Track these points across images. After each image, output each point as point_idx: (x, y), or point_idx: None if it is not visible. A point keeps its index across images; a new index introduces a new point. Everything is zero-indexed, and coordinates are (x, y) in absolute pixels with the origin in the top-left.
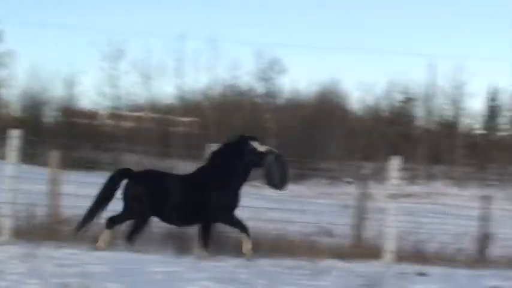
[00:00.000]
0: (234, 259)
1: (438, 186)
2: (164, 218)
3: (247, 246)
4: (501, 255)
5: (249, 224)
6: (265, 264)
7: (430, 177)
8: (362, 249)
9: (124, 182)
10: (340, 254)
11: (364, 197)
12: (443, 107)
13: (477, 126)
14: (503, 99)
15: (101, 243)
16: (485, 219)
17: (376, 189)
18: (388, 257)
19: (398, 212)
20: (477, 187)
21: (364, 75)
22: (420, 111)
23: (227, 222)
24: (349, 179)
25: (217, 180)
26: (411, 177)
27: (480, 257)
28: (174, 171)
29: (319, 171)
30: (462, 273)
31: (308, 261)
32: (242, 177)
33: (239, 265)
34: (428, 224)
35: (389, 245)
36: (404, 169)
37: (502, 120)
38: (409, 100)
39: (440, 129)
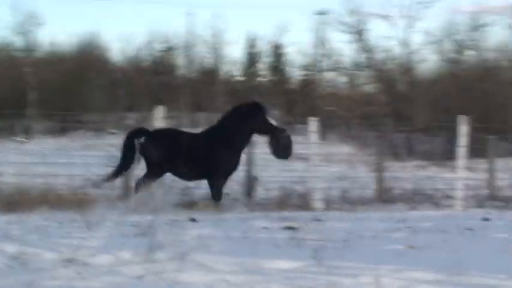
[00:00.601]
0: (5, 215)
1: None
2: (177, 174)
3: (206, 206)
4: (267, 198)
5: (14, 179)
6: (36, 219)
7: (194, 124)
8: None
9: (141, 140)
10: (110, 205)
11: None
12: (203, 55)
13: (237, 73)
14: (261, 46)
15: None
16: (250, 163)
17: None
18: (159, 206)
19: None
20: None
21: (124, 26)
22: (181, 60)
23: (217, 182)
24: (113, 130)
25: (225, 141)
26: (176, 126)
27: (248, 200)
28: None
29: (83, 123)
30: (232, 217)
31: (79, 214)
32: (247, 140)
33: (10, 221)
34: None
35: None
36: (168, 118)
37: (260, 67)
38: (169, 49)
39: (201, 77)
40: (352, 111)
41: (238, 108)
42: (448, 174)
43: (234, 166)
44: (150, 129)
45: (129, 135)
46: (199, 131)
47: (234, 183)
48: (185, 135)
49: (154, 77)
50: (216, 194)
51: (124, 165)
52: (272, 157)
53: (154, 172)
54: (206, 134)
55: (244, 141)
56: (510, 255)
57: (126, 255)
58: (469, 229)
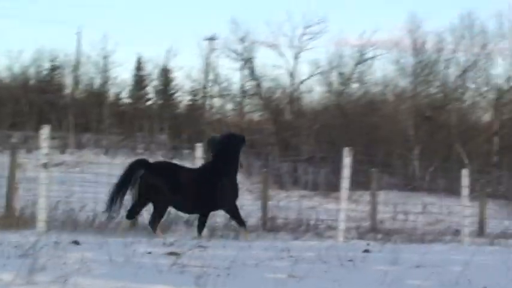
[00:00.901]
0: None
1: (88, 154)
2: (177, 207)
3: (245, 235)
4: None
5: None
6: None
7: (80, 145)
8: (13, 219)
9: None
10: None
11: (14, 166)
12: (91, 76)
13: (124, 95)
14: (149, 68)
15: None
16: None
17: (25, 159)
18: (40, 226)
19: (49, 181)
20: (125, 155)
21: (11, 43)
22: (68, 79)
23: (231, 210)
24: None
25: (222, 174)
26: (61, 146)
27: (134, 225)
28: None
29: None
30: (116, 241)
31: None
32: (237, 168)
33: None
34: (80, 192)
35: (42, 214)
36: (53, 138)
37: (148, 90)
38: (56, 68)
39: (89, 98)
40: None
41: (227, 140)
42: (332, 205)
43: (236, 193)
44: (150, 161)
45: (131, 166)
46: (196, 166)
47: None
48: (184, 169)
49: (41, 95)
50: (240, 221)
51: (119, 194)
52: None
53: (149, 204)
54: (204, 169)
55: (237, 169)
56: (387, 286)
57: (6, 276)
58: (349, 260)
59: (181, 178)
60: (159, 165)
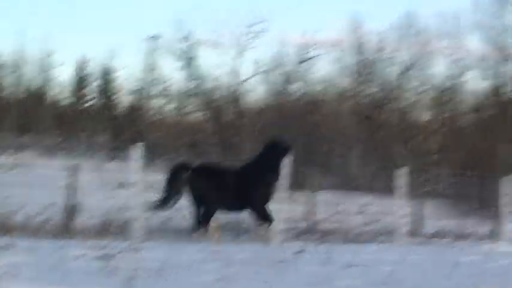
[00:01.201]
0: None
1: (26, 156)
2: (223, 206)
3: (264, 233)
4: (88, 225)
5: None
6: None
7: (18, 147)
8: None
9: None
10: None
11: None
12: (31, 76)
13: (65, 95)
14: (91, 68)
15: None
16: (72, 189)
17: None
18: None
19: None
20: (65, 157)
21: None
22: (8, 79)
23: (258, 212)
24: None
25: (262, 175)
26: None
27: (66, 227)
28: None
29: None
30: (47, 244)
31: None
32: (279, 174)
33: None
34: (17, 195)
35: None
36: None
37: (89, 90)
38: None
39: (29, 98)
40: (179, 139)
41: (272, 146)
42: (270, 206)
43: (268, 198)
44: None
45: (174, 169)
46: (237, 165)
47: (55, 209)
48: (225, 169)
49: None
50: (267, 219)
51: (169, 197)
52: (95, 184)
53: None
54: (243, 170)
55: (277, 175)
56: (316, 286)
57: None
58: (281, 261)
59: (223, 178)
60: (202, 167)
